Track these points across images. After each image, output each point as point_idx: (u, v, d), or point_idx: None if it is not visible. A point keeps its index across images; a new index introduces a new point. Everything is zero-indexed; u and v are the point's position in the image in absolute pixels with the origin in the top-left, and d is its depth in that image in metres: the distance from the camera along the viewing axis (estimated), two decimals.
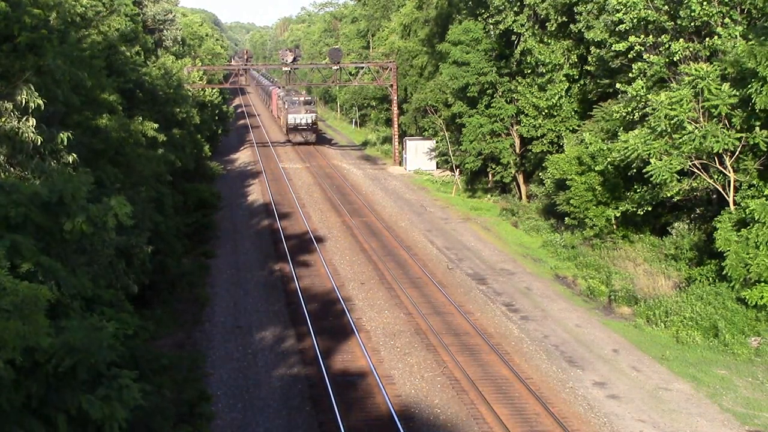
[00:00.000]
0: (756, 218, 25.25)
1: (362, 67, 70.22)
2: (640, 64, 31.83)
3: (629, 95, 32.02)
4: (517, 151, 47.94)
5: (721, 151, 27.26)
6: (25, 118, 15.48)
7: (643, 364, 23.98)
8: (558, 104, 43.40)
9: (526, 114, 45.03)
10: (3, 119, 15.28)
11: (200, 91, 57.53)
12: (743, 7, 28.79)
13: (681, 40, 30.51)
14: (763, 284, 25.04)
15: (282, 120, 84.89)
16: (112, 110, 25.29)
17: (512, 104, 46.35)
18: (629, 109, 32.28)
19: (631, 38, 31.63)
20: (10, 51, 15.41)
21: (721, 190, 29.01)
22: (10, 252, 9.98)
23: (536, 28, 44.03)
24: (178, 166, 34.52)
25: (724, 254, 25.98)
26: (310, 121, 77.65)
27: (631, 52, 32.22)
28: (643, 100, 31.18)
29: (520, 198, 49.16)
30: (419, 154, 62.04)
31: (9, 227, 10.61)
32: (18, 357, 8.53)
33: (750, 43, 25.67)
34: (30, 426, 9.05)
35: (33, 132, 15.48)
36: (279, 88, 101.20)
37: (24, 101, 15.35)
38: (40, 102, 15.52)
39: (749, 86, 25.43)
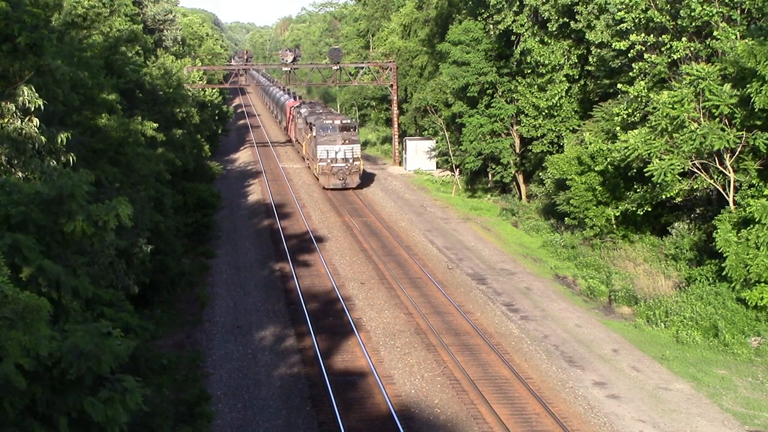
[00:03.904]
0: (756, 218, 25.25)
1: (362, 67, 70.17)
2: (641, 63, 31.84)
3: (630, 96, 32.03)
4: (517, 151, 47.94)
5: (722, 149, 27.28)
6: (27, 119, 15.48)
7: (643, 364, 23.98)
8: (558, 104, 43.40)
9: (526, 114, 45.03)
10: (6, 120, 15.28)
11: (200, 91, 57.54)
12: (744, 6, 28.79)
13: (684, 39, 30.51)
14: (763, 285, 25.04)
15: (306, 150, 58.87)
16: (112, 110, 25.30)
17: (512, 104, 46.35)
18: (630, 110, 32.29)
19: (632, 37, 31.64)
20: (9, 51, 15.40)
21: (721, 190, 29.02)
22: (11, 251, 9.97)
23: (536, 28, 44.03)
24: (178, 165, 34.51)
25: (724, 254, 25.98)
26: (350, 155, 51.86)
27: (632, 51, 32.23)
28: (644, 100, 31.20)
29: (520, 198, 49.17)
30: (419, 154, 62.02)
31: (10, 227, 10.60)
32: (27, 363, 8.53)
33: (750, 42, 25.67)
34: (31, 428, 9.05)
35: (36, 132, 15.49)
36: (294, 98, 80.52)
37: (25, 102, 15.35)
38: (41, 103, 15.52)
39: (749, 86, 25.44)
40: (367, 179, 56.17)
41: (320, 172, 52.25)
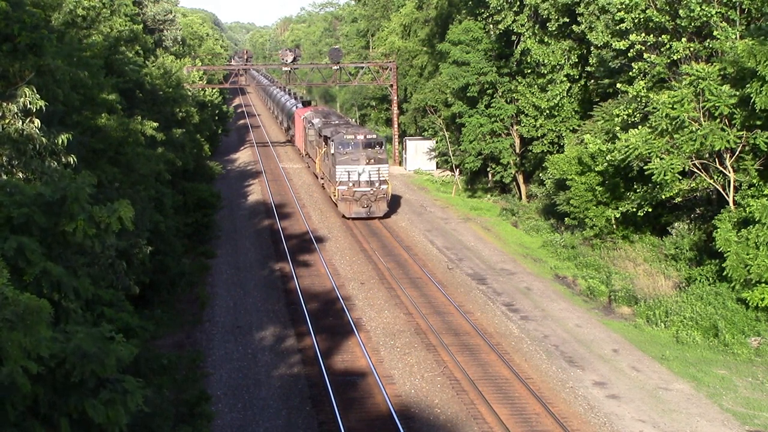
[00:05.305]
0: (756, 218, 25.26)
1: (362, 67, 70.18)
2: (640, 63, 31.85)
3: (630, 95, 32.04)
4: (517, 151, 47.95)
5: (722, 149, 27.29)
6: (28, 120, 15.49)
7: (643, 364, 23.99)
8: (560, 104, 43.41)
9: (526, 114, 45.04)
10: (7, 120, 15.29)
11: (200, 91, 57.54)
12: (743, 6, 28.79)
13: (684, 39, 30.51)
14: (763, 285, 25.04)
15: (320, 169, 50.10)
16: (112, 110, 25.31)
17: (512, 104, 46.36)
18: (630, 111, 32.30)
19: (632, 37, 31.65)
20: (10, 51, 15.40)
21: (721, 190, 29.04)
22: (15, 254, 9.97)
23: (536, 28, 44.04)
24: (178, 165, 34.53)
25: (725, 254, 25.99)
26: (377, 178, 43.02)
27: (632, 51, 32.24)
28: (644, 100, 31.20)
29: (520, 198, 49.17)
30: (419, 154, 62.03)
31: (12, 228, 10.61)
32: (33, 367, 8.55)
33: (750, 42, 25.67)
34: (32, 429, 9.06)
35: (37, 133, 15.49)
36: (302, 104, 71.41)
37: (26, 103, 15.36)
38: (42, 104, 15.52)
39: (749, 86, 25.44)
40: None
41: (339, 198, 43.05)
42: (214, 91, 61.63)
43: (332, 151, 44.03)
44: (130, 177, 24.95)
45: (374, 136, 45.40)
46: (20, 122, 15.42)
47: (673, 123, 27.73)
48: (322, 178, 49.97)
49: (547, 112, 43.76)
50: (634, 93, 31.42)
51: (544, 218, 42.71)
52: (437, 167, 61.08)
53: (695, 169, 28.68)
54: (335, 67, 67.99)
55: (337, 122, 52.10)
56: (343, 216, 43.27)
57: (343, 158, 43.04)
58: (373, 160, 42.96)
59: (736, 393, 21.88)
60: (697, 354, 24.74)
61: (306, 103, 73.53)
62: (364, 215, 42.68)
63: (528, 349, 25.07)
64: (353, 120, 72.19)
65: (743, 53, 25.41)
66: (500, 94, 46.69)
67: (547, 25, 42.75)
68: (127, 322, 15.68)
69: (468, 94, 46.64)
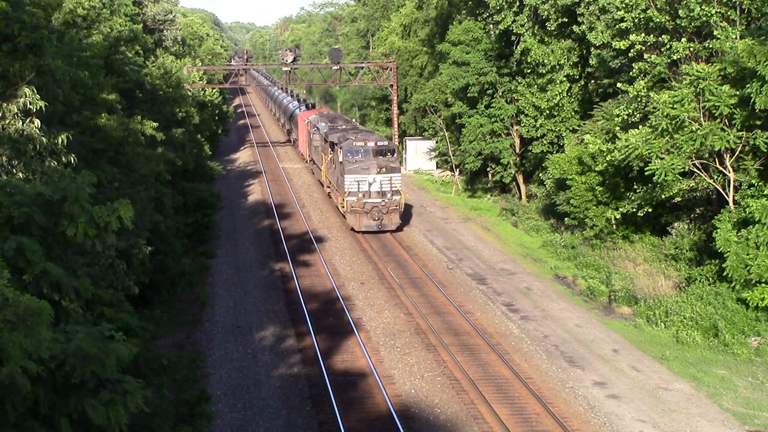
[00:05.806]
0: (756, 218, 25.26)
1: (362, 67, 70.14)
2: (640, 63, 31.85)
3: (630, 95, 32.04)
4: (517, 151, 47.95)
5: (722, 149, 27.30)
6: (29, 120, 15.49)
7: (643, 364, 24.00)
8: (560, 104, 43.41)
9: (526, 114, 45.04)
10: (7, 121, 15.29)
11: (200, 91, 57.52)
12: (743, 6, 28.78)
13: (684, 39, 30.51)
14: (763, 285, 25.05)
15: (327, 177, 46.99)
16: (112, 110, 25.30)
17: (512, 104, 46.35)
18: (630, 111, 32.30)
19: (632, 36, 31.65)
20: (10, 51, 15.40)
21: (720, 190, 29.04)
22: (15, 254, 9.97)
23: (536, 28, 44.04)
24: (178, 165, 34.52)
25: (725, 254, 25.99)
26: (388, 188, 40.10)
27: (632, 51, 32.24)
28: (644, 99, 31.21)
29: (520, 198, 49.17)
30: (419, 154, 62.04)
31: (12, 228, 10.61)
32: (32, 368, 8.55)
33: (750, 42, 25.66)
34: (32, 430, 9.06)
35: (38, 134, 15.49)
36: (306, 106, 68.48)
37: (27, 104, 15.36)
38: (42, 104, 15.51)
39: (749, 86, 25.44)
40: None
41: (348, 209, 39.84)
42: (214, 91, 61.62)
43: (340, 159, 40.81)
44: (130, 177, 24.94)
45: (386, 142, 42.30)
46: (20, 122, 15.41)
47: (673, 123, 27.73)
48: (329, 187, 46.74)
49: (547, 112, 43.76)
50: (634, 93, 31.41)
51: (544, 218, 42.71)
52: (437, 167, 61.08)
53: (695, 169, 28.68)
54: (335, 67, 67.90)
55: (344, 127, 48.35)
56: (352, 229, 40.43)
57: (353, 167, 39.78)
58: (384, 169, 39.86)
59: (736, 393, 21.88)
60: (697, 354, 24.74)
61: (310, 106, 71.57)
62: (375, 228, 39.58)
63: (528, 349, 25.07)
64: (354, 120, 71.13)
65: (743, 53, 25.41)
66: (500, 94, 46.68)
67: (547, 25, 42.75)
68: (127, 322, 15.68)
69: (468, 95, 46.63)
